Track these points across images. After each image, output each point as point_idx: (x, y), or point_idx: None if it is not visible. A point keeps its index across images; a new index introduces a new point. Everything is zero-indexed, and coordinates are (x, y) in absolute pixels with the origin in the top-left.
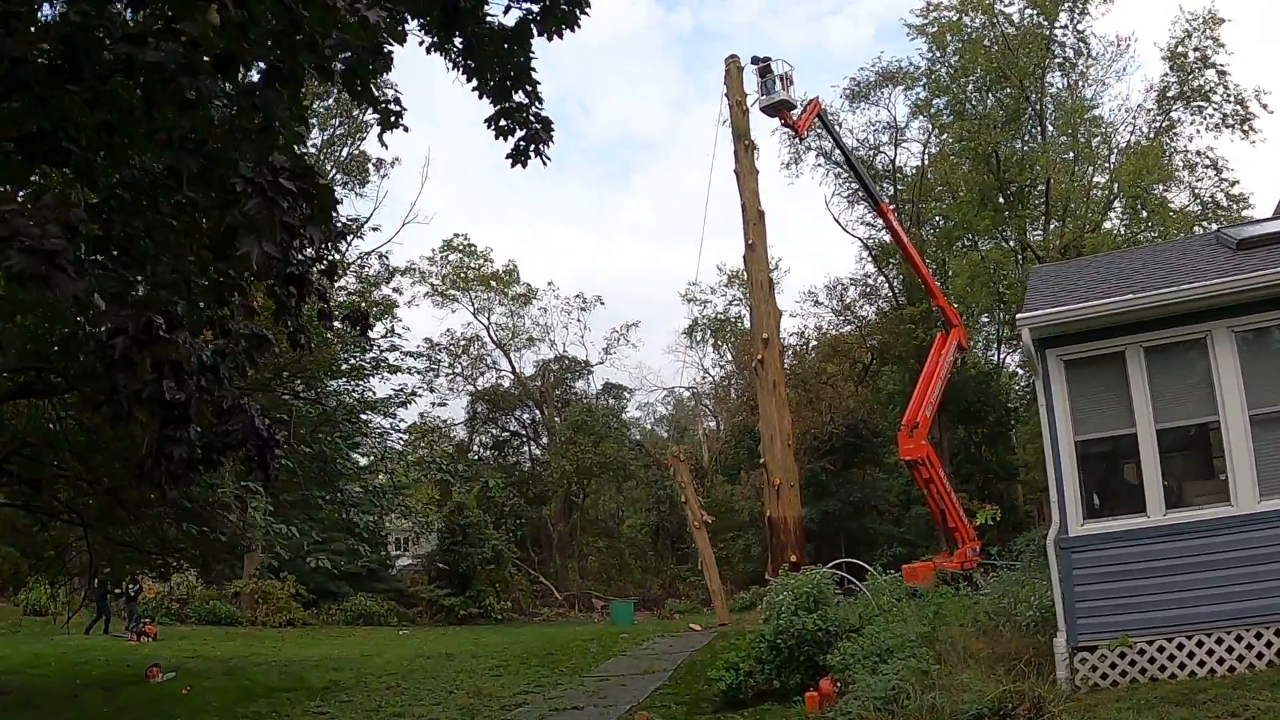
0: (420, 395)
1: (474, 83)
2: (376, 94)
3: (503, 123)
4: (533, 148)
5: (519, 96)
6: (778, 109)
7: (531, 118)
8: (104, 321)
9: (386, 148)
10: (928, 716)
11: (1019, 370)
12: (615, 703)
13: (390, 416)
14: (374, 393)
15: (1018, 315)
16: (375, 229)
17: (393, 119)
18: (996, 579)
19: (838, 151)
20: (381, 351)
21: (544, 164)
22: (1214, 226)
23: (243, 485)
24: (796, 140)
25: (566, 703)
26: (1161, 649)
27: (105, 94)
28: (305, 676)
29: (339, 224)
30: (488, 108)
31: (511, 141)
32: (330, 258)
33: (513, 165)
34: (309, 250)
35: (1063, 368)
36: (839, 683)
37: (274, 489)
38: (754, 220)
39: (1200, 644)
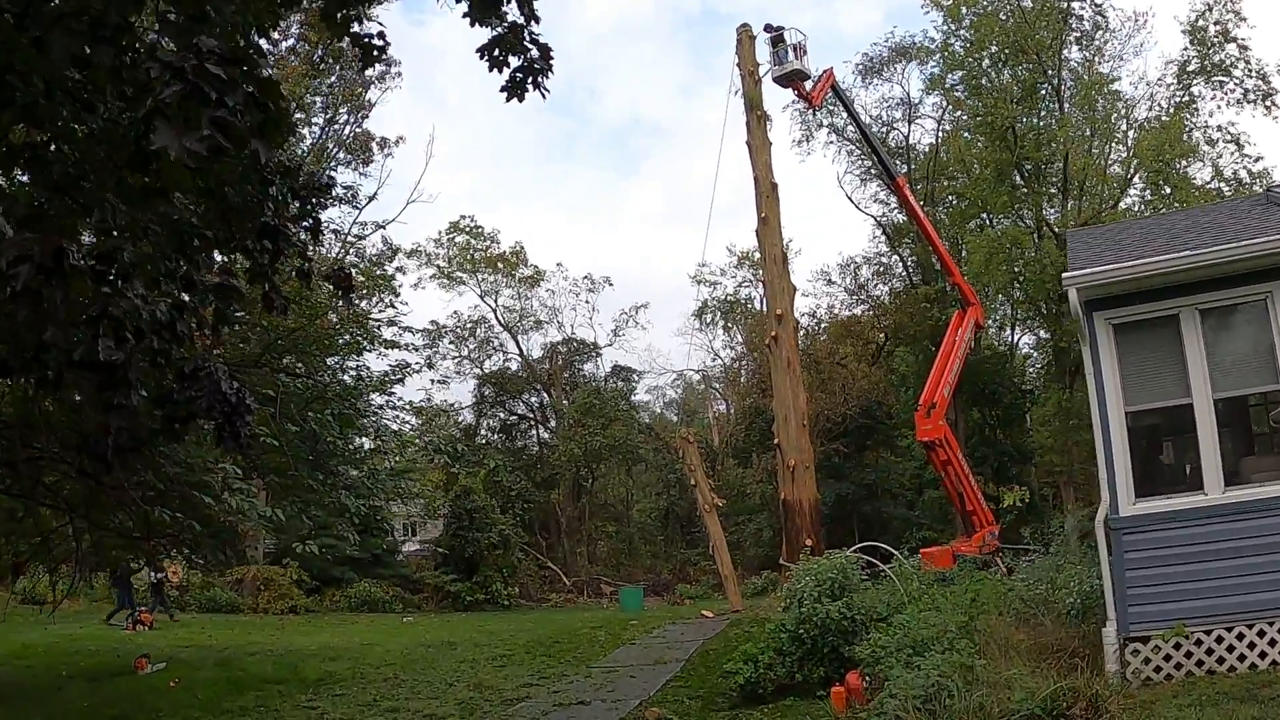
0: (418, 371)
1: (464, 6)
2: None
3: (496, 52)
4: (530, 79)
5: (512, 13)
6: (791, 79)
7: (528, 42)
8: (6, 249)
9: (367, 88)
10: (975, 717)
11: (1033, 352)
12: (624, 697)
13: (388, 395)
14: (369, 368)
15: (1064, 274)
16: (372, 198)
17: (375, 53)
18: (1030, 564)
19: (850, 127)
20: (378, 326)
21: (543, 97)
22: None
23: (221, 466)
24: (810, 113)
25: (572, 696)
26: (1220, 639)
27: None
28: (300, 667)
29: (322, 178)
30: (494, 77)
31: (506, 74)
32: (314, 214)
33: (508, 99)
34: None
35: (1112, 332)
36: (868, 677)
37: (262, 470)
38: (767, 193)
39: (1262, 634)
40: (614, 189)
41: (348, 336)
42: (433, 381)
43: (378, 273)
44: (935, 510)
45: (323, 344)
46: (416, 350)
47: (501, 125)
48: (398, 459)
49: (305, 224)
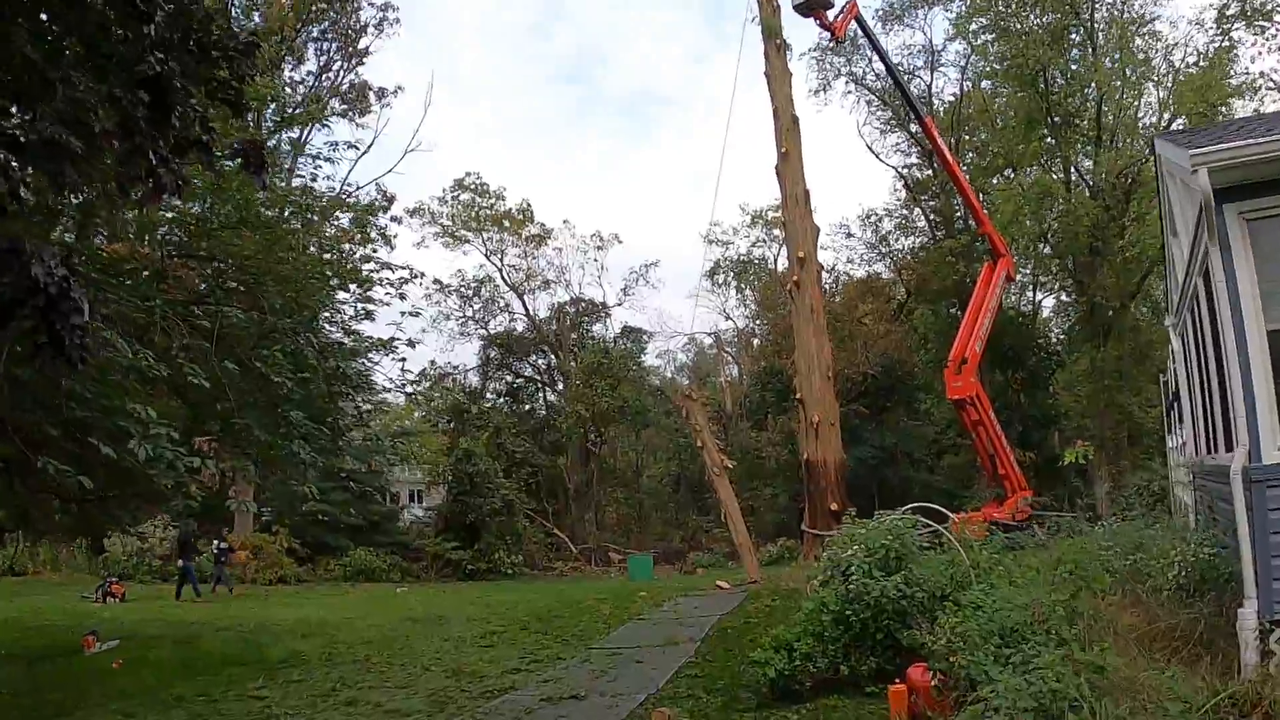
0: (386, 303)
1: None
2: None
3: None
4: None
5: None
6: (812, 8)
7: None
8: None
9: (363, 30)
10: None
11: (1052, 316)
12: (626, 689)
13: (353, 332)
14: (333, 305)
15: (1191, 153)
16: (344, 115)
17: None
18: (1103, 528)
19: (870, 75)
20: (352, 261)
21: None
22: None
23: (133, 408)
24: (826, 60)
25: (564, 688)
26: None
27: None
28: (266, 647)
29: (242, 38)
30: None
31: None
32: (236, 84)
33: None
34: None
35: (1246, 230)
36: (939, 674)
37: (201, 417)
38: (788, 126)
39: None
40: (625, 157)
41: (319, 268)
42: (403, 314)
43: (370, 216)
44: (956, 476)
45: (279, 274)
46: (393, 286)
47: (513, 97)
48: (368, 407)
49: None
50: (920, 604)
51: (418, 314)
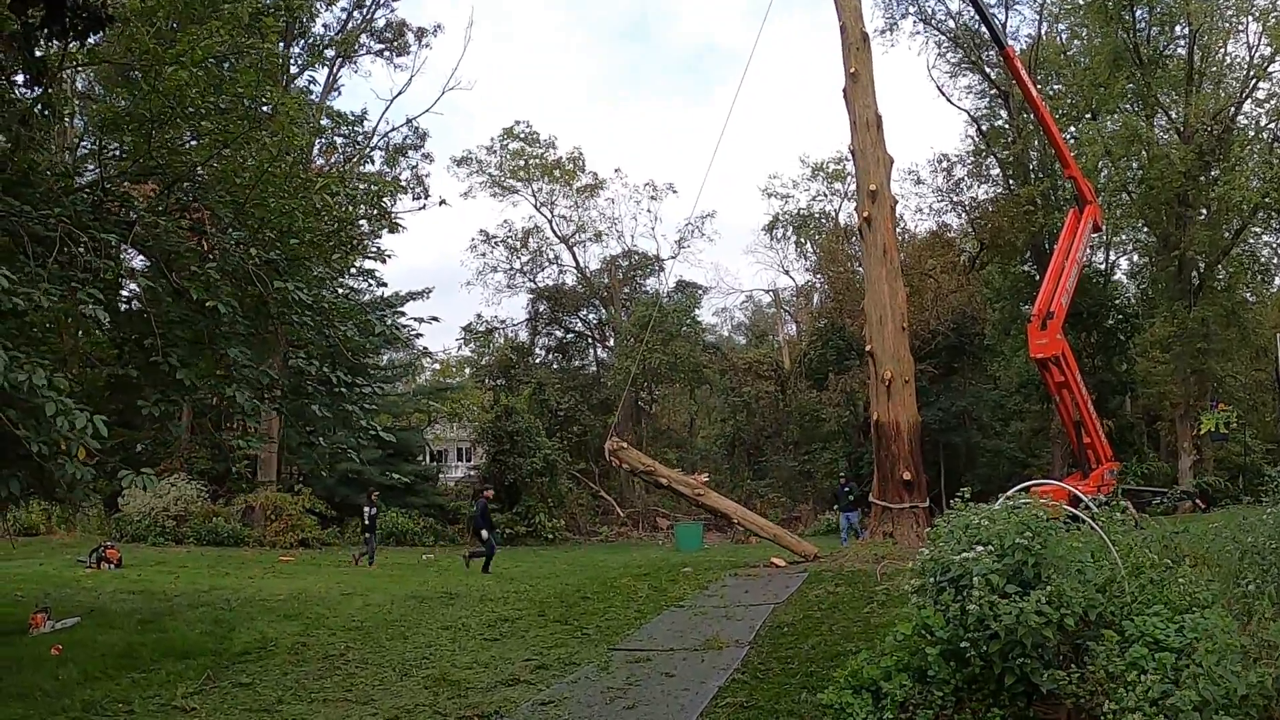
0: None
1: None
2: None
3: None
4: None
5: None
6: None
7: None
8: None
9: None
10: None
11: (1125, 279)
12: None
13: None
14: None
15: None
16: (379, 55)
17: None
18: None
19: (940, 12)
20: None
21: None
22: None
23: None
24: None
25: (565, 715)
26: None
27: None
28: (237, 630)
29: None
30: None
31: None
32: None
33: None
34: None
35: None
36: None
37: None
38: (856, 44)
39: None
40: (685, 116)
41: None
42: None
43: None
44: (1024, 443)
45: (230, 180)
46: (373, 197)
47: (567, 57)
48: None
49: None
50: (1063, 628)
51: (397, 229)
